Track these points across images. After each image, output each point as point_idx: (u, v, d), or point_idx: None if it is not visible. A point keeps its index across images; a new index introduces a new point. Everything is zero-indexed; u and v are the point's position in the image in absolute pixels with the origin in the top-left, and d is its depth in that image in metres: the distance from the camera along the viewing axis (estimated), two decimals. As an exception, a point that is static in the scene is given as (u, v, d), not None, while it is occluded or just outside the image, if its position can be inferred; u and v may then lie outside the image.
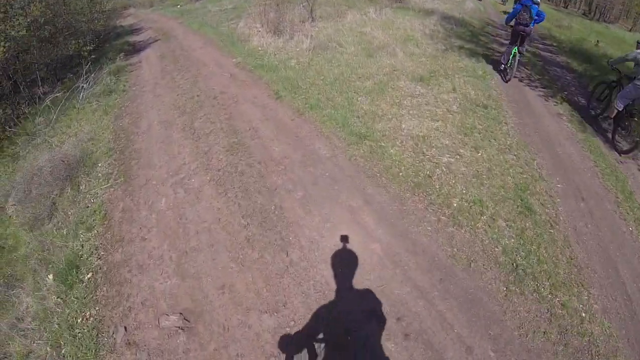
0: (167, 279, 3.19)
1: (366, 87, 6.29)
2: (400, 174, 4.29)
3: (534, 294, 3.11)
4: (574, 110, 6.14)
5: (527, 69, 7.79)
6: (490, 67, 7.59)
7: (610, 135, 5.44)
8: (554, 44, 9.74)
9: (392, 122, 5.30)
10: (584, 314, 3.01)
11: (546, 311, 2.99)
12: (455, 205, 3.87)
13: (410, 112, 5.61)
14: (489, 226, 3.65)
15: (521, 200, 4.01)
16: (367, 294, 2.98)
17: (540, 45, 9.59)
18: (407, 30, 9.21)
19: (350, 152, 4.65)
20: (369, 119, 5.34)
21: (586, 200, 4.26)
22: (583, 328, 2.91)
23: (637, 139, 4.94)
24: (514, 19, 6.67)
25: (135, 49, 9.44)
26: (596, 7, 30.23)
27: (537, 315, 2.95)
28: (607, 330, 2.92)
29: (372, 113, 5.50)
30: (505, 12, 14.29)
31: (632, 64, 5.11)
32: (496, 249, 3.44)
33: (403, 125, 5.22)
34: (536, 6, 6.34)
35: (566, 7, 32.49)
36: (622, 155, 5.09)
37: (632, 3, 27.69)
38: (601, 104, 5.89)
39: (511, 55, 6.91)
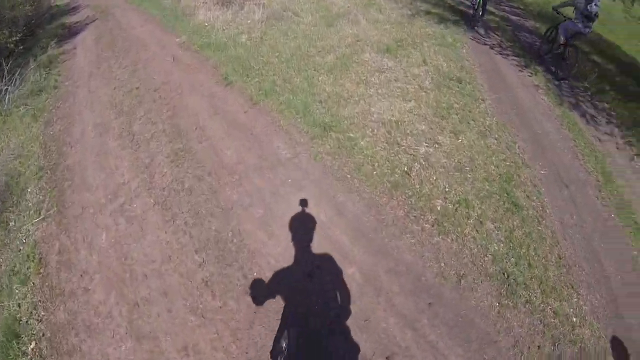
0: (121, 342, 2.63)
1: (327, 63, 5.58)
2: (375, 172, 3.79)
3: (527, 305, 2.89)
4: (549, 82, 5.82)
5: (497, 34, 7.30)
6: (460, 32, 7.03)
7: (553, 67, 6.18)
8: (521, 7, 9.26)
9: (359, 105, 4.71)
10: (574, 319, 2.87)
11: (539, 322, 2.81)
12: (439, 208, 3.46)
13: (379, 91, 5.03)
14: (477, 231, 3.29)
15: (507, 194, 3.67)
16: (348, 333, 2.57)
17: (507, 8, 9.08)
18: (369, -7, 8.33)
19: (314, 148, 4.06)
20: (334, 103, 4.72)
21: (569, 186, 4.01)
22: (575, 334, 2.78)
23: (571, 70, 5.78)
24: None
25: (71, 32, 7.96)
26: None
27: (530, 329, 2.76)
28: (597, 332, 2.81)
29: (336, 95, 4.87)
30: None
31: (572, 9, 5.76)
32: (486, 258, 3.11)
33: (372, 109, 4.66)
34: None
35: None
36: (560, 80, 5.87)
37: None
38: (548, 44, 6.47)
39: (477, 4, 7.09)
